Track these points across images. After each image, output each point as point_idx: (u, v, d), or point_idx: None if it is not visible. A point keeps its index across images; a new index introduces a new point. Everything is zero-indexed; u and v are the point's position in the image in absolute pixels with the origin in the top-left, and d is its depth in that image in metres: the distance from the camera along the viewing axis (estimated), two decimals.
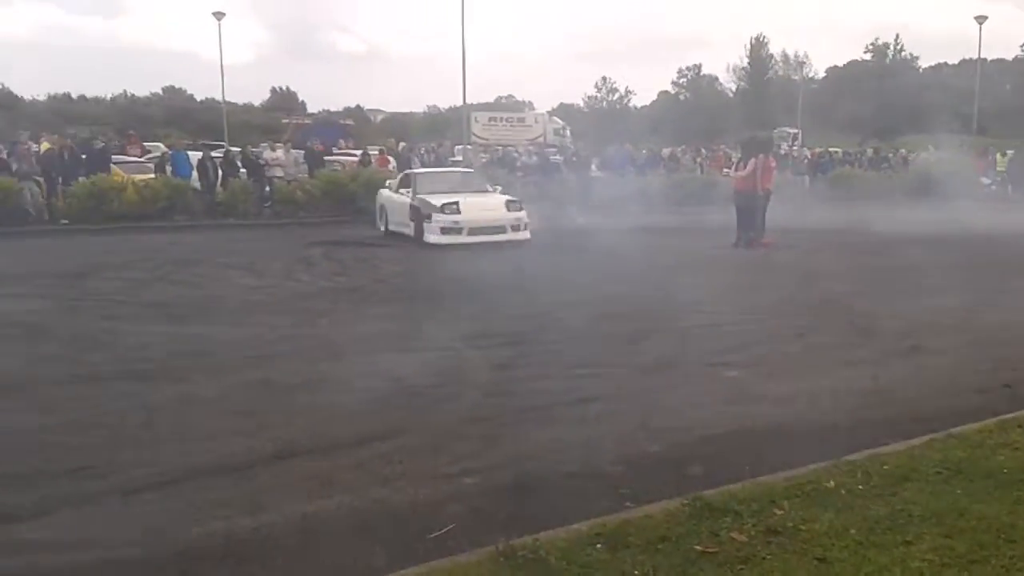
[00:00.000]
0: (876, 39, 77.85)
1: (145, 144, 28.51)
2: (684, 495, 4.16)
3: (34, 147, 20.61)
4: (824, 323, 8.99)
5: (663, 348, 7.89)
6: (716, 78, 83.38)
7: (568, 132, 49.90)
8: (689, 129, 60.90)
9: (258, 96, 78.63)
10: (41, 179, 18.96)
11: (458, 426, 5.55)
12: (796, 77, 73.64)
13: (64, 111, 59.51)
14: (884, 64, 76.05)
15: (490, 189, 17.22)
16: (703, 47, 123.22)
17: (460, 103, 39.32)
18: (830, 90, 77.80)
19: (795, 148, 38.49)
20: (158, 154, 25.36)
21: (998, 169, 31.60)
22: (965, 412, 5.70)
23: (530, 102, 73.32)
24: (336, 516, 4.17)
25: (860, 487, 4.26)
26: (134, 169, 21.77)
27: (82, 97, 70.35)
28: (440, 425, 5.58)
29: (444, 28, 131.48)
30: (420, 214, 15.36)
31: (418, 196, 15.80)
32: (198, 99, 72.38)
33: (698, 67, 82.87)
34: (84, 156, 20.16)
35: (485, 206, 15.49)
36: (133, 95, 72.41)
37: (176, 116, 63.01)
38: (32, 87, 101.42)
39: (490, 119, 48.21)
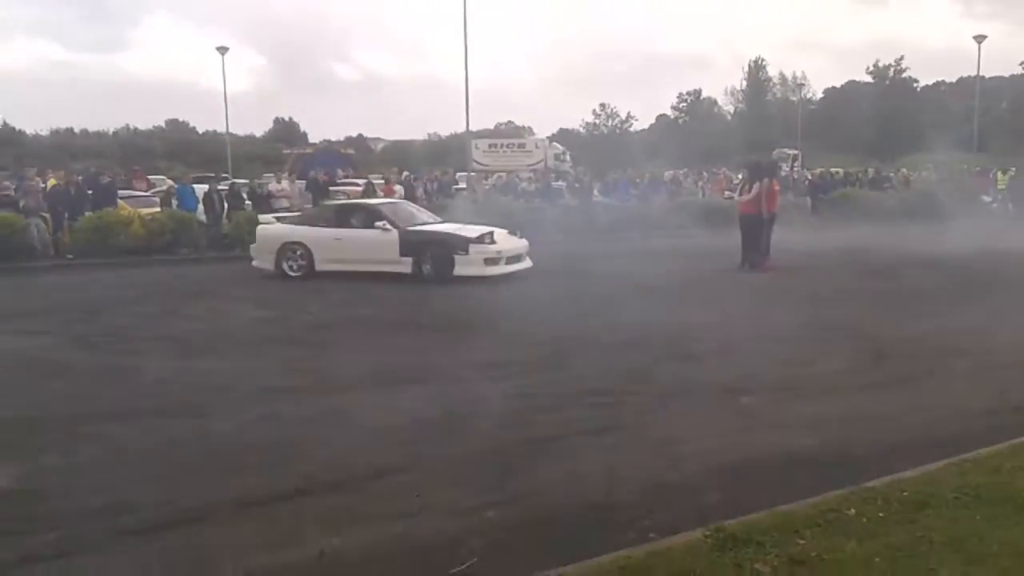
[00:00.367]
0: (877, 61, 78.22)
1: (150, 178, 28.67)
2: (705, 526, 4.18)
3: (40, 183, 20.71)
4: (833, 347, 9.00)
5: (675, 375, 7.92)
6: (715, 101, 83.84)
7: (568, 157, 50.13)
8: (689, 153, 61.17)
9: (259, 127, 79.39)
10: (47, 215, 19.05)
11: (475, 458, 5.57)
12: (795, 98, 74.03)
13: (67, 146, 59.95)
14: (882, 84, 76.36)
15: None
16: (701, 70, 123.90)
17: (460, 130, 39.58)
18: (828, 111, 78.21)
19: (796, 170, 38.65)
20: (163, 188, 25.49)
21: (999, 187, 31.71)
22: (978, 436, 5.73)
23: (529, 127, 73.72)
24: (358, 551, 4.18)
25: (880, 514, 4.28)
26: (140, 203, 21.87)
27: (84, 131, 70.84)
28: (457, 457, 5.60)
29: (444, 55, 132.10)
30: (447, 247, 14.55)
31: (425, 228, 15.22)
32: (199, 131, 73.04)
33: (698, 92, 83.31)
34: (90, 191, 20.25)
35: (503, 235, 15.41)
36: (135, 128, 72.93)
37: (178, 149, 63.42)
38: (34, 122, 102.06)
39: (490, 145, 48.43)
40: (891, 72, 76.12)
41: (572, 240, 20.70)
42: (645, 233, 23.00)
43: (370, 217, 15.17)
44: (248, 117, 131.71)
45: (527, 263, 15.31)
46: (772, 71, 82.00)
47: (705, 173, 34.60)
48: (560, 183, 29.31)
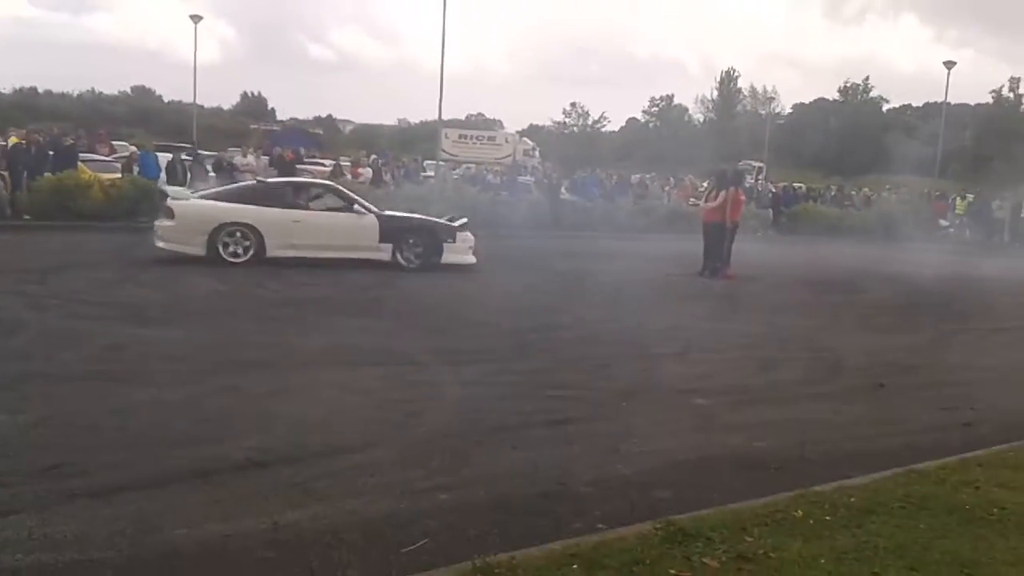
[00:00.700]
0: (847, 80, 79.36)
1: (114, 143, 28.19)
2: (656, 519, 4.22)
3: (0, 141, 20.30)
4: (788, 357, 9.13)
5: (633, 373, 7.98)
6: (686, 108, 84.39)
7: (537, 153, 50.24)
8: (657, 157, 61.51)
9: (226, 100, 78.22)
10: (6, 173, 18.67)
11: (430, 442, 5.57)
12: (763, 112, 74.75)
13: (30, 106, 58.68)
14: (850, 103, 77.45)
15: None
16: (674, 76, 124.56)
17: (430, 117, 39.43)
18: (796, 126, 79.06)
19: (760, 182, 39.09)
20: (126, 154, 25.07)
21: (957, 212, 32.36)
22: (927, 449, 5.87)
23: (500, 121, 73.69)
24: (309, 526, 4.16)
25: (827, 518, 4.35)
26: (101, 168, 21.48)
27: (48, 92, 69.43)
28: (412, 440, 5.59)
29: (418, 41, 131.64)
30: (435, 235, 14.35)
31: (403, 215, 14.84)
32: (165, 100, 71.91)
33: (670, 97, 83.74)
34: (52, 152, 19.88)
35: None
36: (100, 92, 71.65)
37: (143, 116, 62.37)
38: None
39: (460, 136, 48.39)
40: (859, 92, 77.26)
41: (537, 236, 20.75)
42: (610, 234, 23.12)
43: (337, 199, 14.35)
44: (215, 89, 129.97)
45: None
46: (744, 83, 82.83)
47: (672, 179, 34.86)
48: (528, 178, 29.35)
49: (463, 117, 73.27)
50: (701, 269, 15.88)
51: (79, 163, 20.33)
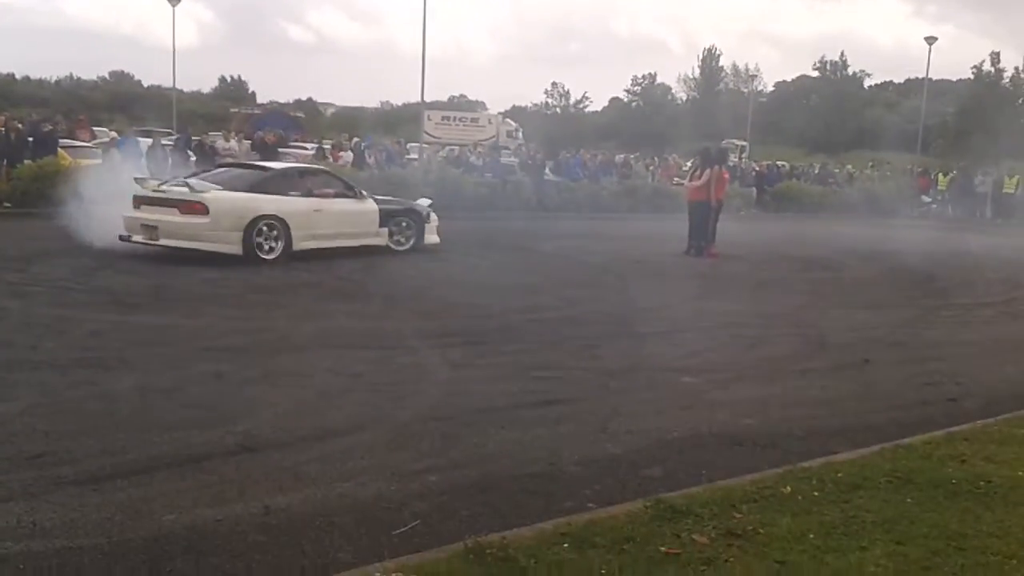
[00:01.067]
0: (823, 57, 79.47)
1: (94, 129, 27.90)
2: (646, 497, 4.25)
3: None
4: (774, 334, 9.18)
5: (619, 353, 7.99)
6: (669, 88, 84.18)
7: (521, 134, 50.05)
8: (640, 136, 61.46)
9: (206, 84, 77.46)
10: None
11: (418, 424, 5.57)
12: (746, 90, 74.74)
13: (8, 92, 57.94)
14: (832, 80, 77.54)
15: None
16: (657, 55, 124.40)
17: (413, 100, 39.23)
18: (778, 104, 79.13)
19: (743, 160, 39.14)
20: (107, 139, 24.82)
21: (939, 188, 32.52)
22: (912, 424, 5.92)
23: (482, 102, 73.32)
24: (300, 510, 4.16)
25: (815, 493, 4.38)
26: (81, 154, 21.27)
27: (26, 78, 68.56)
28: (400, 423, 5.59)
29: (399, 22, 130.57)
30: (420, 218, 14.33)
31: (387, 198, 14.64)
32: (144, 84, 71.13)
33: (653, 75, 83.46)
34: (31, 139, 19.67)
35: None
36: (79, 78, 70.83)
37: (122, 101, 61.71)
38: None
39: (443, 118, 48.04)
40: (837, 68, 77.33)
41: (521, 217, 20.73)
42: (594, 214, 23.15)
43: (340, 185, 13.81)
44: (194, 74, 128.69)
45: None
46: (725, 61, 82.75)
47: (656, 158, 34.86)
48: (512, 159, 29.26)
49: (446, 99, 72.91)
50: (686, 248, 15.91)
51: (59, 149, 20.12)
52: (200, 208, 11.83)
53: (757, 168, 33.61)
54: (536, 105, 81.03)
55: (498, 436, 5.39)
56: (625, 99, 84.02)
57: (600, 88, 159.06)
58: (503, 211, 21.30)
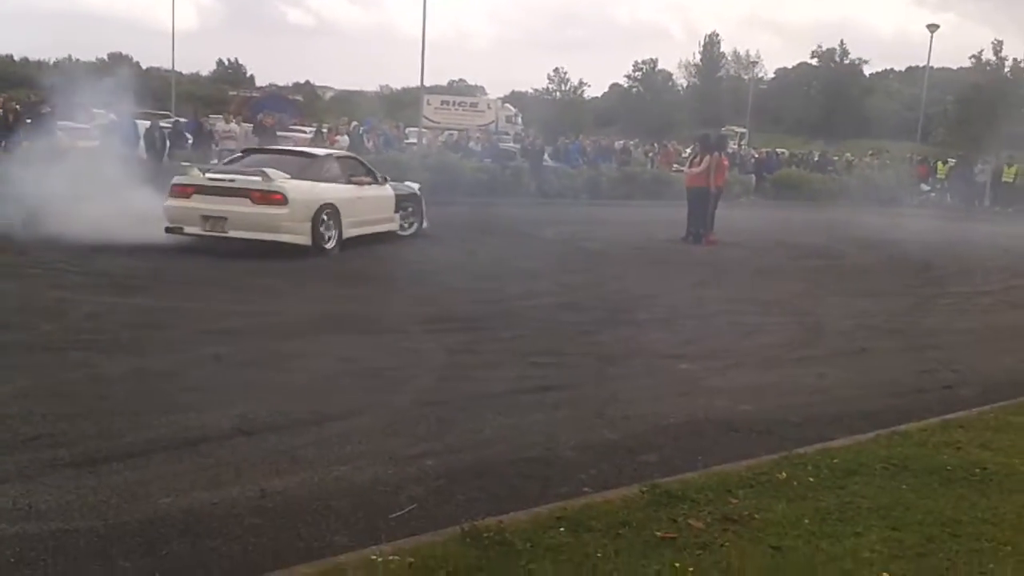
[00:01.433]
0: (820, 45, 79.24)
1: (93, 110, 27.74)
2: (642, 482, 4.25)
3: None
4: (771, 321, 9.19)
5: (617, 338, 8.00)
6: (670, 74, 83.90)
7: (520, 120, 49.96)
8: (640, 123, 61.27)
9: (204, 66, 77.23)
10: None
11: (415, 409, 5.57)
12: (746, 77, 74.54)
13: (7, 74, 57.65)
14: (832, 68, 77.30)
15: None
16: (658, 40, 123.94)
17: (412, 84, 39.09)
18: (778, 91, 78.95)
19: (743, 147, 39.09)
20: (104, 121, 24.71)
21: (938, 177, 32.50)
22: (908, 411, 5.93)
23: (482, 87, 73.10)
24: (297, 493, 4.16)
25: (811, 479, 4.40)
26: (79, 136, 21.19)
27: (25, 60, 68.26)
28: (397, 407, 5.59)
29: (399, 5, 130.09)
30: (421, 203, 14.36)
31: (403, 184, 14.46)
32: (143, 67, 70.85)
33: (654, 62, 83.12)
34: (28, 120, 19.60)
35: None
36: (78, 60, 70.51)
37: (120, 83, 61.36)
38: None
39: (442, 102, 47.82)
40: (835, 57, 77.11)
41: (520, 203, 20.70)
42: (593, 200, 23.12)
43: (363, 170, 13.43)
44: (194, 56, 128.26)
45: None
46: (727, 47, 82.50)
47: (655, 145, 34.81)
48: (513, 145, 29.21)
49: (445, 83, 72.68)
50: (685, 235, 15.89)
51: (57, 132, 20.03)
52: (279, 198, 11.26)
53: (756, 155, 33.58)
54: (537, 91, 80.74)
55: (495, 421, 5.39)
56: (625, 85, 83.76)
57: (600, 74, 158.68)
58: (502, 196, 21.27)
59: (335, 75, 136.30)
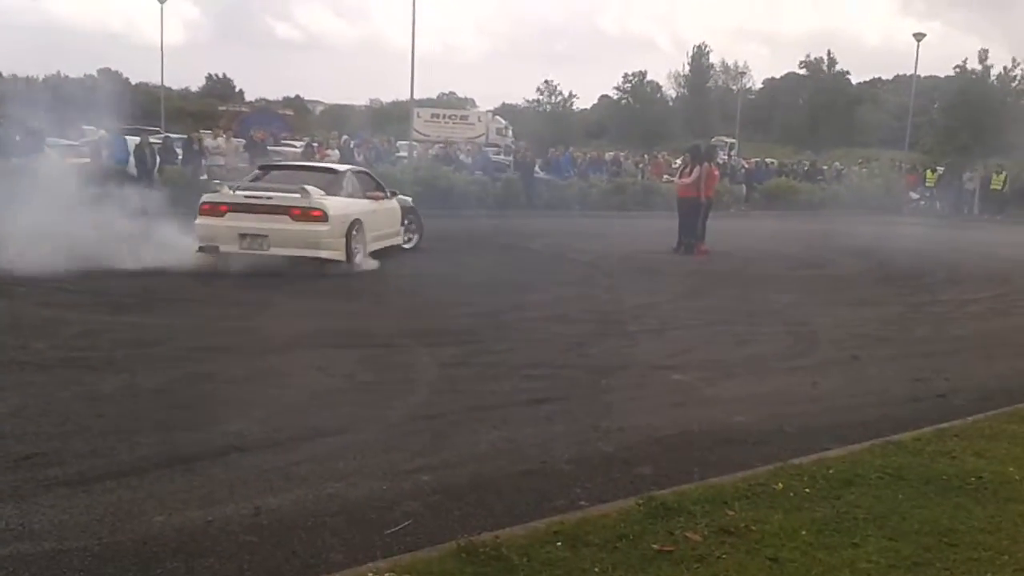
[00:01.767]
0: (808, 54, 79.70)
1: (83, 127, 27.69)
2: (638, 495, 4.25)
3: None
4: (764, 331, 9.18)
5: (610, 351, 7.99)
6: (659, 85, 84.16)
7: (510, 132, 50.09)
8: (630, 134, 61.49)
9: (193, 81, 77.20)
10: None
11: (410, 424, 5.56)
12: (735, 87, 74.89)
13: None
14: (820, 78, 77.71)
15: None
16: (646, 52, 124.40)
17: (402, 97, 39.16)
18: (767, 101, 79.32)
19: (732, 157, 39.24)
20: (95, 137, 24.66)
21: (927, 185, 32.65)
22: (902, 420, 5.92)
23: (472, 100, 73.31)
24: (291, 510, 4.14)
25: (807, 490, 4.39)
26: (68, 152, 21.15)
27: (13, 76, 68.06)
28: (391, 422, 5.57)
29: (388, 19, 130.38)
30: (419, 216, 14.52)
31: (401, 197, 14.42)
32: (132, 83, 70.74)
33: (643, 73, 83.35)
34: (17, 138, 19.52)
35: None
36: (66, 76, 70.36)
37: (109, 99, 61.26)
38: None
39: (432, 115, 48.12)
40: (824, 66, 77.53)
41: (511, 215, 20.72)
42: (584, 211, 23.16)
43: (373, 184, 13.38)
44: (181, 71, 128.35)
45: None
46: (715, 58, 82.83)
47: (646, 156, 34.91)
48: (506, 157, 29.27)
49: (435, 96, 72.82)
50: (676, 245, 15.92)
51: (46, 148, 19.98)
52: (319, 215, 11.24)
53: (746, 165, 33.68)
54: (529, 102, 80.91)
55: (490, 435, 5.38)
56: (615, 97, 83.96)
57: (590, 86, 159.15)
58: (493, 209, 21.30)
59: (325, 89, 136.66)
